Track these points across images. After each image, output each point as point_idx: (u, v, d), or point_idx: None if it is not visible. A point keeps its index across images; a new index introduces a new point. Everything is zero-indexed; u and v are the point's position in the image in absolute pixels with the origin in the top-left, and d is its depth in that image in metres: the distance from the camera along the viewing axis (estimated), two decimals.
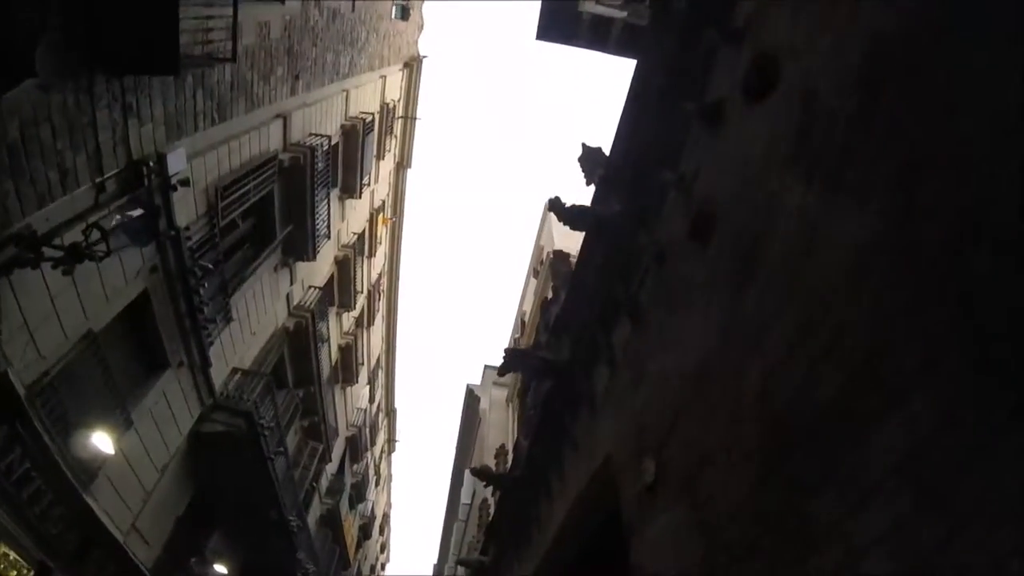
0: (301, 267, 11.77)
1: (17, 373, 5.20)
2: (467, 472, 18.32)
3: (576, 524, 6.20)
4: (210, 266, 7.92)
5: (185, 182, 7.13)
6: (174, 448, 8.10)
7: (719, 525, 3.09)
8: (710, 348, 3.50)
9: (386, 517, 30.93)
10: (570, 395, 6.55)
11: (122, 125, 5.94)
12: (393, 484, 32.08)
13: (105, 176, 5.85)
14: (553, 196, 5.88)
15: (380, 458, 25.28)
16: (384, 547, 31.90)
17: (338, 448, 16.64)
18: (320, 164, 11.00)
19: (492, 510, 11.61)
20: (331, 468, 16.22)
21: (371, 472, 22.00)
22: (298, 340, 11.77)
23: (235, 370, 9.56)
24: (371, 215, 16.18)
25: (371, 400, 19.79)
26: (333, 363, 14.64)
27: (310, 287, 12.43)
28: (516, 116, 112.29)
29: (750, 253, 3.12)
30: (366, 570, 24.27)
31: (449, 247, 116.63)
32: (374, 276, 17.82)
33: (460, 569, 17.01)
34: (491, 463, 15.58)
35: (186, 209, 7.59)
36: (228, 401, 9.02)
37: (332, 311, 14.34)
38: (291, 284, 11.51)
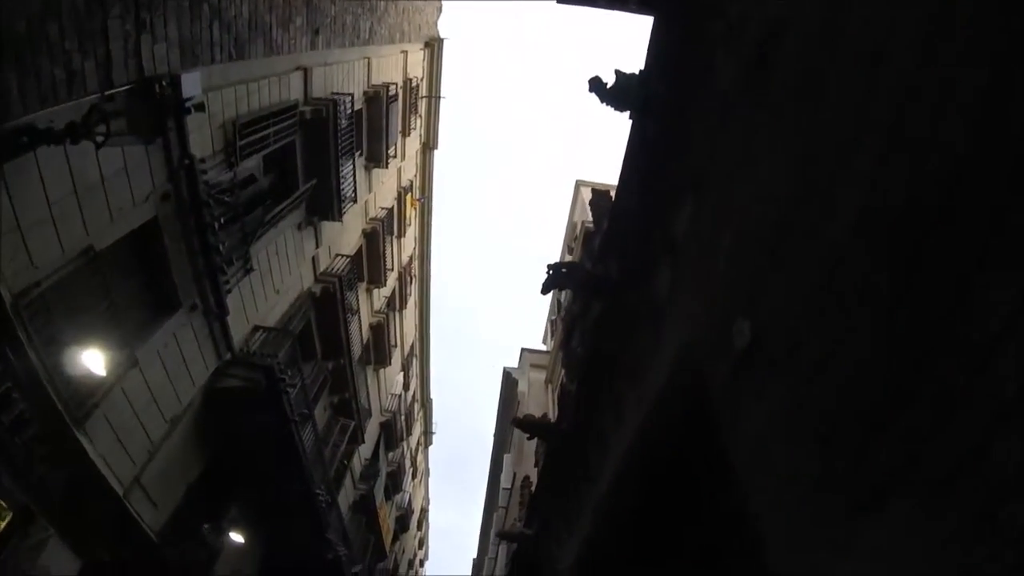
0: (327, 230, 11.34)
1: (4, 279, 4.75)
2: (505, 457, 17.54)
3: (642, 456, 5.39)
4: (227, 199, 7.49)
5: (200, 107, 6.74)
6: (186, 401, 7.58)
7: (835, 386, 2.33)
8: (790, 191, 2.82)
9: (424, 512, 30.22)
10: (624, 317, 5.78)
11: (134, 38, 5.58)
12: (431, 479, 31.49)
13: (116, 88, 5.46)
14: (592, 76, 5.19)
15: (416, 450, 24.66)
16: (422, 543, 31.13)
17: (371, 432, 16.08)
18: (343, 122, 10.60)
19: (535, 484, 10.80)
20: (365, 452, 15.66)
21: (407, 463, 21.38)
22: (325, 307, 11.28)
23: (257, 328, 9.08)
24: (399, 194, 15.77)
25: (405, 388, 19.25)
26: (364, 341, 14.14)
27: (337, 255, 11.98)
28: (541, 92, 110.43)
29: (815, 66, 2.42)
30: (403, 565, 23.55)
31: (479, 230, 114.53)
32: (404, 258, 17.36)
33: (500, 550, 16.17)
34: (532, 447, 14.80)
35: (201, 141, 7.20)
36: (248, 357, 8.52)
37: (362, 287, 13.89)
38: (317, 247, 11.07)
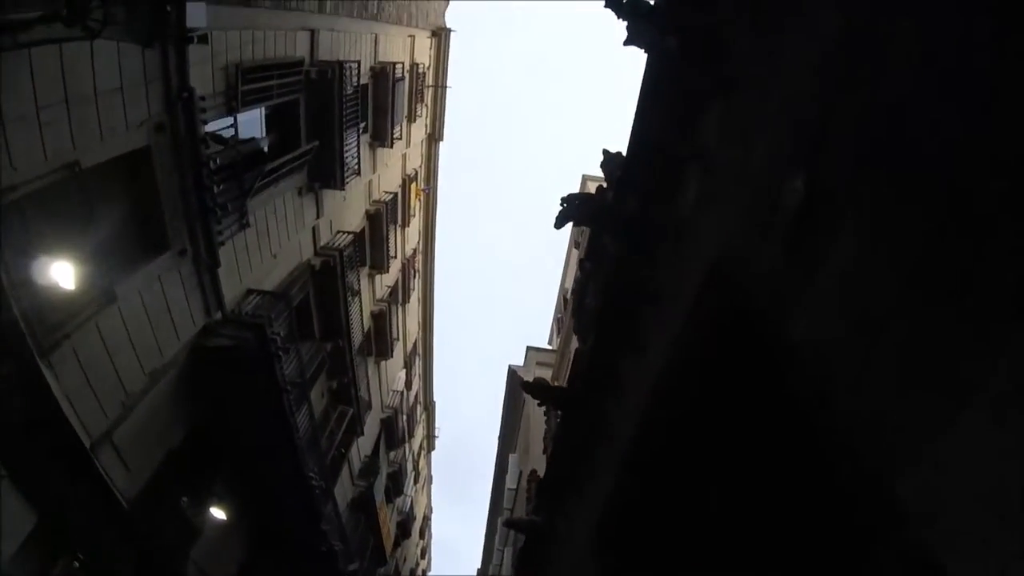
0: (329, 201, 10.94)
1: None
2: (511, 458, 16.82)
3: (669, 390, 4.85)
4: (226, 142, 7.10)
5: (204, 39, 6.42)
6: (169, 356, 7.03)
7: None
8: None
9: (426, 520, 29.10)
10: (644, 243, 5.32)
11: None
12: (434, 487, 30.38)
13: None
14: None
15: (419, 455, 23.81)
16: (425, 552, 29.91)
17: (372, 427, 15.41)
18: (349, 89, 10.30)
19: (543, 471, 10.16)
20: (364, 449, 14.98)
21: (409, 466, 20.56)
22: (325, 283, 10.80)
23: (251, 292, 8.59)
24: (404, 182, 15.43)
25: (408, 387, 18.60)
26: (365, 329, 13.61)
27: (339, 232, 11.55)
28: (547, 84, 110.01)
29: None
30: (405, 573, 22.46)
31: (483, 225, 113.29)
32: (408, 250, 16.93)
33: (506, 555, 15.33)
34: (539, 445, 14.14)
35: (201, 79, 6.85)
36: (239, 317, 8.01)
37: (364, 271, 13.43)
38: (318, 217, 10.64)
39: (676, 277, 4.78)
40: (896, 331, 2.14)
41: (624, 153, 6.12)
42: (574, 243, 17.44)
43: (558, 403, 7.73)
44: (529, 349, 17.63)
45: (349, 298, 11.71)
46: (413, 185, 16.12)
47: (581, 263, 7.65)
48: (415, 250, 17.73)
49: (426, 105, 16.64)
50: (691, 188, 4.65)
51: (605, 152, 8.16)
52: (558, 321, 18.13)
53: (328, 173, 10.39)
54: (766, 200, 3.35)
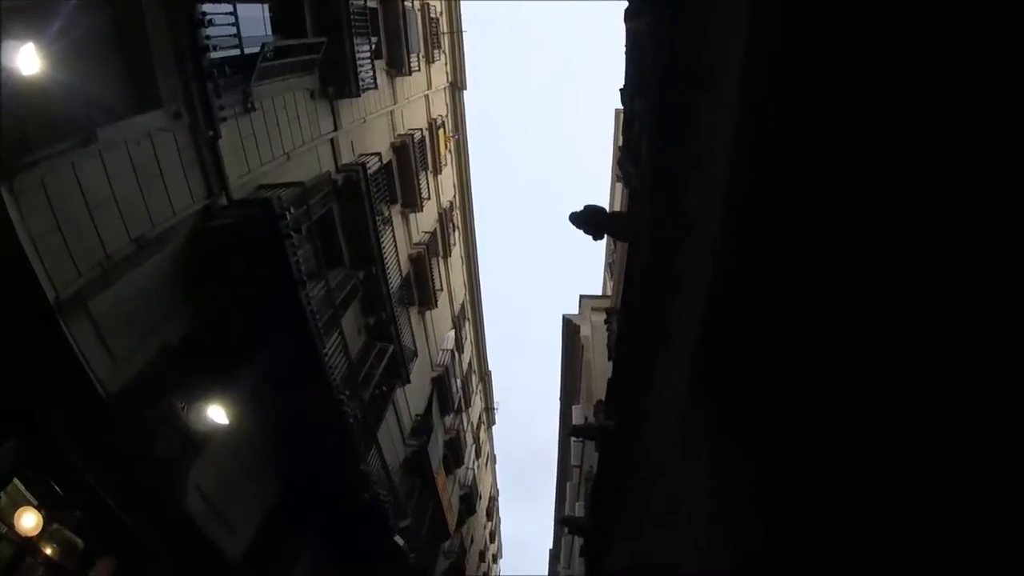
0: (347, 114, 10.19)
1: None
2: (574, 409, 15.46)
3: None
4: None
5: None
6: (162, 227, 6.18)
7: None
8: None
9: (493, 501, 27.57)
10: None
11: None
12: (498, 467, 28.76)
13: None
14: None
15: (479, 428, 22.56)
16: (494, 536, 28.28)
17: (422, 383, 14.42)
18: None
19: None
20: (415, 406, 13.96)
21: (469, 437, 19.39)
22: (350, 203, 9.97)
23: (264, 187, 7.80)
24: (430, 126, 14.65)
25: (459, 349, 17.58)
26: (404, 274, 12.72)
27: (361, 154, 10.76)
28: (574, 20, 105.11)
29: None
30: (473, 554, 21.07)
31: (519, 177, 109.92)
32: (444, 201, 16.08)
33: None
34: (603, 388, 12.81)
35: None
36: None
37: (396, 209, 12.60)
38: (335, 128, 9.89)
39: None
40: None
41: None
42: (616, 176, 16.19)
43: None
44: (583, 298, 16.34)
45: (380, 225, 10.86)
46: (441, 132, 15.34)
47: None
48: (451, 204, 16.87)
49: (444, 52, 15.92)
50: None
51: None
52: (609, 266, 16.80)
53: (341, 79, 9.65)
54: None
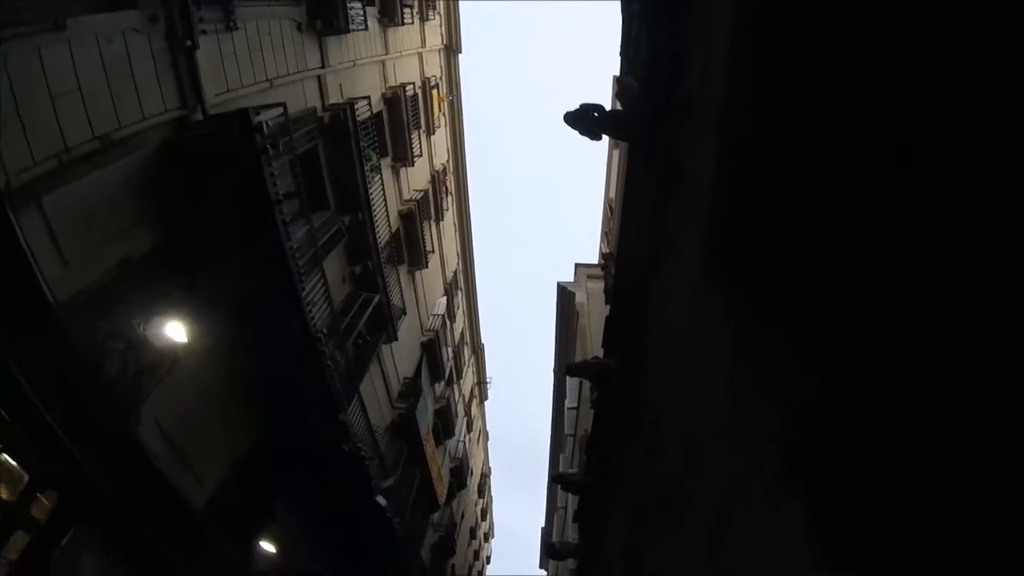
0: (335, 53, 9.74)
1: None
2: (568, 380, 15.05)
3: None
4: None
5: None
6: (129, 130, 5.77)
7: None
8: None
9: (485, 478, 27.06)
10: None
11: None
12: (492, 461, 28.18)
13: None
14: None
15: (471, 402, 22.10)
16: (486, 513, 27.76)
17: (411, 344, 13.99)
18: None
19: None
20: (404, 369, 13.52)
21: (460, 408, 18.93)
22: (336, 144, 9.52)
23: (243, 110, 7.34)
24: (424, 84, 14.20)
25: (451, 317, 17.15)
26: (393, 230, 12.27)
27: (350, 98, 10.31)
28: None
29: None
30: (463, 529, 20.60)
31: (514, 145, 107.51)
32: (437, 164, 15.63)
33: (569, 500, 13.47)
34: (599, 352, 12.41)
35: None
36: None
37: (386, 161, 12.15)
38: (323, 67, 9.44)
39: None
40: None
41: None
42: (613, 143, 15.79)
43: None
44: (578, 266, 15.94)
45: (368, 172, 10.41)
46: (435, 92, 14.89)
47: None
48: (445, 168, 16.42)
49: (439, 13, 15.48)
50: None
51: None
52: (605, 235, 16.39)
53: (329, 13, 9.20)
54: None
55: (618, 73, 5.98)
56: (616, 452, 8.04)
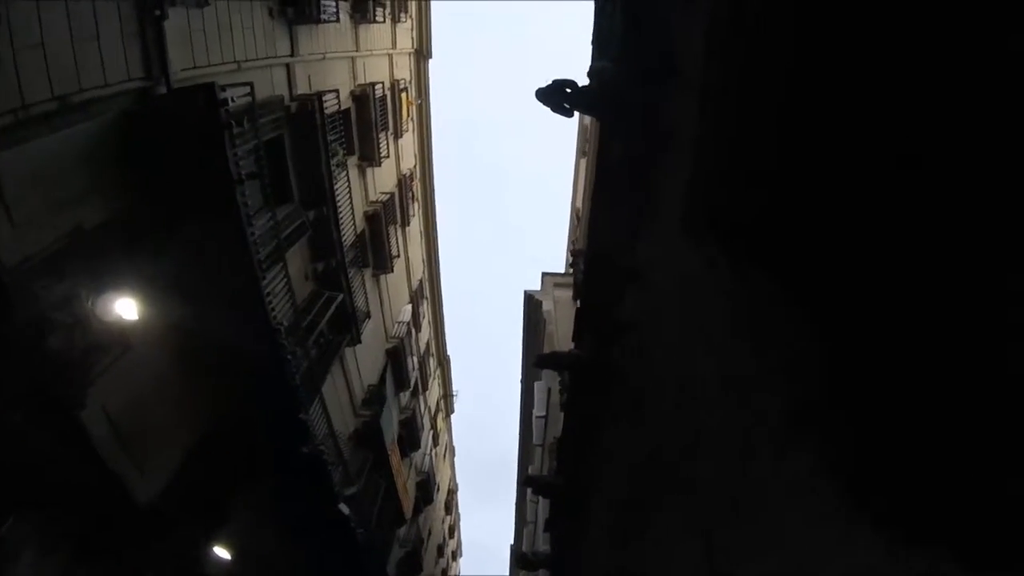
0: (305, 44, 9.56)
1: None
2: (536, 386, 14.85)
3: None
4: None
5: None
6: (89, 93, 5.48)
7: None
8: None
9: (452, 494, 26.23)
10: None
11: None
12: (459, 477, 27.38)
13: None
14: None
15: (436, 415, 21.49)
16: (453, 531, 26.80)
17: (375, 350, 13.58)
18: None
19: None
20: (368, 377, 13.10)
21: (426, 421, 18.39)
22: (302, 135, 9.28)
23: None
24: (393, 86, 14.12)
25: (416, 326, 16.76)
26: (358, 232, 12.00)
27: (319, 90, 10.12)
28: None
29: None
30: (431, 546, 19.78)
31: (480, 155, 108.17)
32: (404, 168, 15.46)
33: (540, 506, 13.19)
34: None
35: None
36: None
37: (352, 161, 11.94)
38: (292, 55, 9.24)
39: None
40: None
41: None
42: (580, 152, 15.97)
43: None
44: (545, 275, 15.87)
45: (334, 168, 10.18)
46: (404, 95, 14.80)
47: None
48: (412, 173, 16.25)
49: (411, 16, 15.51)
50: None
51: None
52: (572, 243, 16.44)
53: (302, 0, 9.06)
54: None
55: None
56: (591, 446, 7.87)
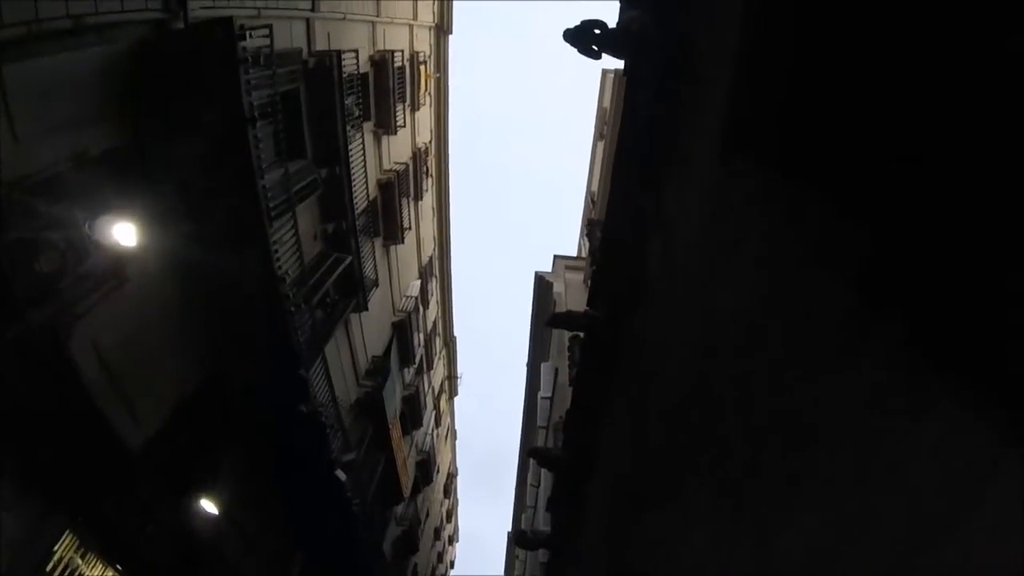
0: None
1: None
2: (543, 367, 14.64)
3: None
4: None
5: None
6: (105, 16, 5.36)
7: None
8: None
9: (451, 479, 26.04)
10: None
11: None
12: (458, 448, 27.02)
13: None
14: None
15: (440, 396, 21.30)
16: (451, 516, 26.64)
17: (381, 321, 13.40)
18: None
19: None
20: (373, 348, 12.92)
21: (429, 400, 18.19)
22: (319, 91, 9.08)
23: None
24: (412, 57, 13.89)
25: (424, 303, 16.56)
26: (370, 199, 11.80)
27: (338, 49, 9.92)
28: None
29: None
30: (428, 529, 19.57)
31: (499, 133, 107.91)
32: (419, 140, 15.26)
33: (542, 482, 12.95)
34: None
35: None
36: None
37: (368, 126, 11.74)
38: (312, 9, 9.07)
39: None
40: None
41: None
42: (598, 134, 15.72)
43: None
44: (556, 257, 15.64)
45: (349, 129, 9.99)
46: (423, 68, 14.60)
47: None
48: (427, 147, 16.05)
49: None
50: None
51: None
52: (586, 227, 16.17)
53: None
54: None
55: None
56: (599, 419, 7.64)
